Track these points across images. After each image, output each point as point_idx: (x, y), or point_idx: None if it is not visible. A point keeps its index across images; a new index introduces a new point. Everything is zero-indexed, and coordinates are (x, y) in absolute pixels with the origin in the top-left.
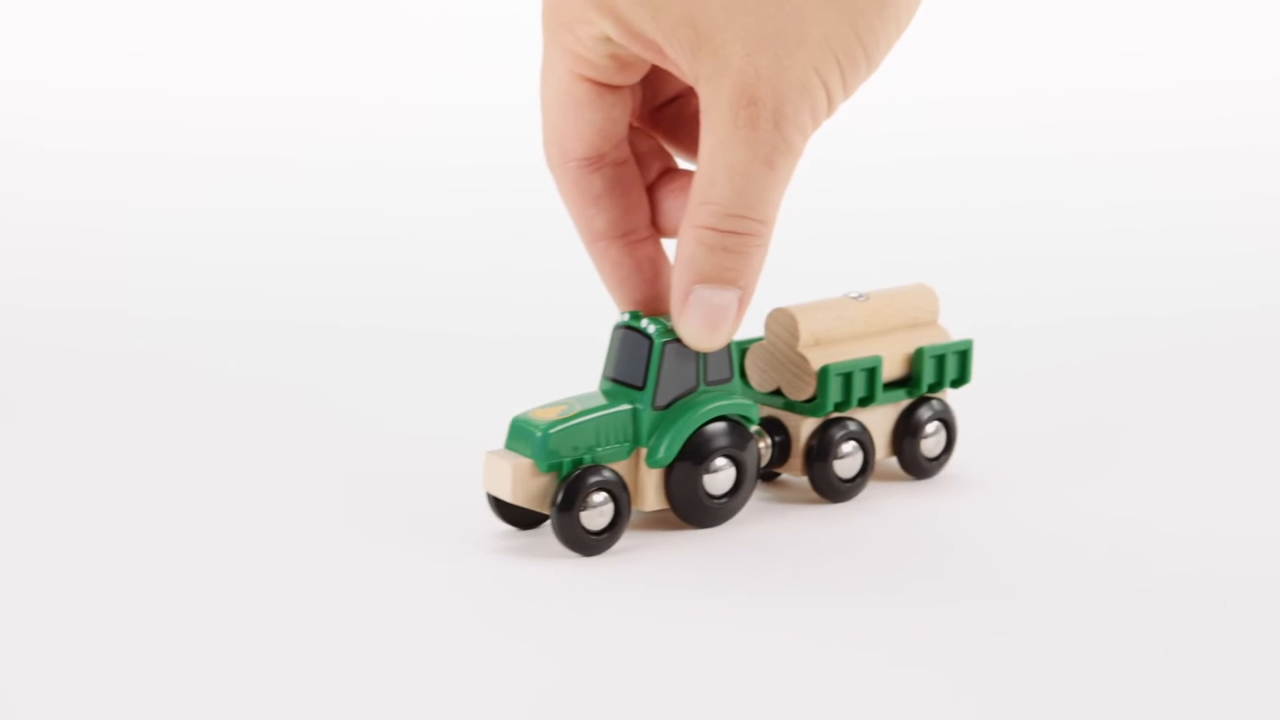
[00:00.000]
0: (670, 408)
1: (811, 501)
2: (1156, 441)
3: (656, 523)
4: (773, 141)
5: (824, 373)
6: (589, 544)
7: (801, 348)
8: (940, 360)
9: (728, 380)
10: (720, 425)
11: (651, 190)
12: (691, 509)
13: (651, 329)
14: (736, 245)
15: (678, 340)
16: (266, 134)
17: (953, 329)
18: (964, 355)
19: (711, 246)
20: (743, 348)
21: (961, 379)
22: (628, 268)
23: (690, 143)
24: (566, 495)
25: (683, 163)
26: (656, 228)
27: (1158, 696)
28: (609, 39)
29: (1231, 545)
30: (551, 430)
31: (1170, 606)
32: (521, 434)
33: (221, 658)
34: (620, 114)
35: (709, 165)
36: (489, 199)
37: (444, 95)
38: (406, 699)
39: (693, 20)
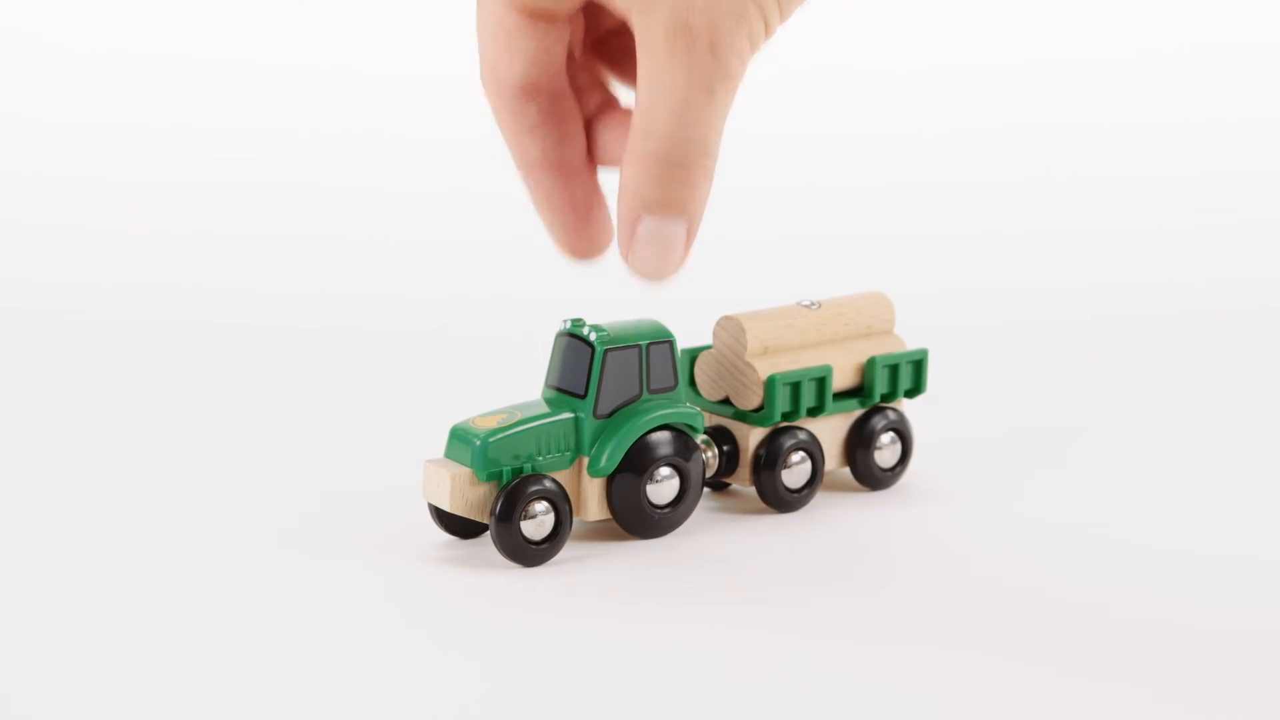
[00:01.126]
0: (613, 416)
1: (759, 512)
2: (1117, 451)
3: (600, 533)
4: (710, 69)
5: (771, 382)
6: (530, 554)
7: (749, 356)
8: (893, 370)
9: (672, 388)
10: (664, 434)
11: (589, 124)
12: (635, 519)
13: (594, 337)
14: (681, 175)
15: (620, 348)
16: (209, 133)
17: (914, 335)
18: (919, 364)
19: (657, 177)
20: (692, 356)
21: (916, 388)
22: (562, 199)
23: (634, 74)
24: (505, 505)
25: (625, 95)
26: (593, 159)
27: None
28: None
29: (1184, 559)
30: (490, 439)
31: (1121, 624)
32: (460, 442)
33: (149, 671)
34: (556, 44)
35: (648, 96)
36: (435, 201)
37: (408, 95)
38: (335, 711)
39: None
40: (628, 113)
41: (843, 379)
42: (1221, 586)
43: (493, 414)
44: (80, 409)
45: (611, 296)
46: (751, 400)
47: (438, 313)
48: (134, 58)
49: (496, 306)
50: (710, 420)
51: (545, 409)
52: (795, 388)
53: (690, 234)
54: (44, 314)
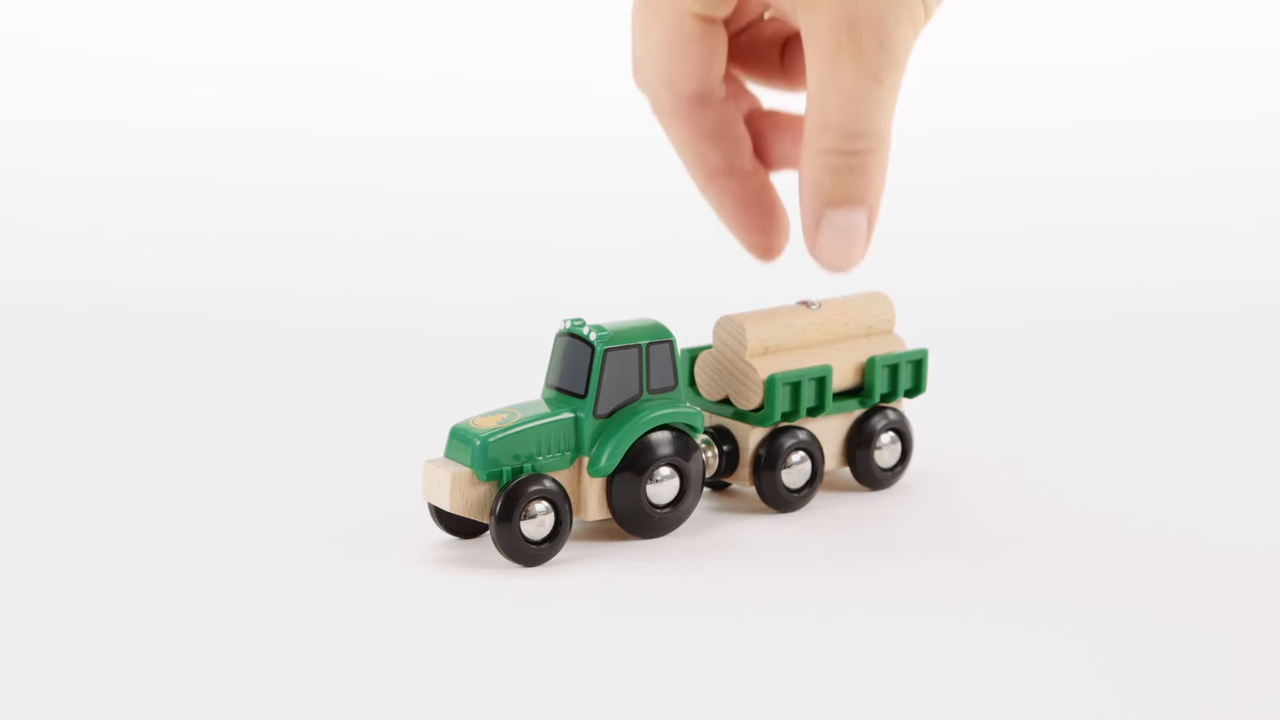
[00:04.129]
0: (613, 416)
1: (759, 511)
2: (1118, 451)
3: (600, 533)
4: (879, 58)
5: (771, 382)
6: (530, 554)
7: (749, 356)
8: (893, 369)
9: (672, 388)
10: (663, 434)
11: (753, 130)
12: (635, 519)
13: (594, 337)
14: (859, 165)
15: (620, 348)
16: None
17: (914, 335)
18: (919, 364)
19: (836, 169)
20: (692, 356)
21: (917, 388)
22: (746, 201)
23: (766, 67)
24: (505, 504)
25: (764, 95)
26: (763, 163)
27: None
28: None
29: (1185, 559)
30: (491, 439)
31: (1124, 624)
32: (460, 442)
33: (149, 671)
34: (721, 48)
35: (820, 91)
36: (435, 201)
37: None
38: (335, 711)
39: None
40: (789, 117)
41: (843, 379)
42: (1220, 583)
43: (493, 414)
44: (81, 407)
45: (612, 297)
46: (751, 400)
47: (438, 313)
48: (134, 58)
49: (496, 306)
50: (710, 420)
51: (545, 409)
52: (795, 388)
53: (871, 222)
54: (53, 306)
